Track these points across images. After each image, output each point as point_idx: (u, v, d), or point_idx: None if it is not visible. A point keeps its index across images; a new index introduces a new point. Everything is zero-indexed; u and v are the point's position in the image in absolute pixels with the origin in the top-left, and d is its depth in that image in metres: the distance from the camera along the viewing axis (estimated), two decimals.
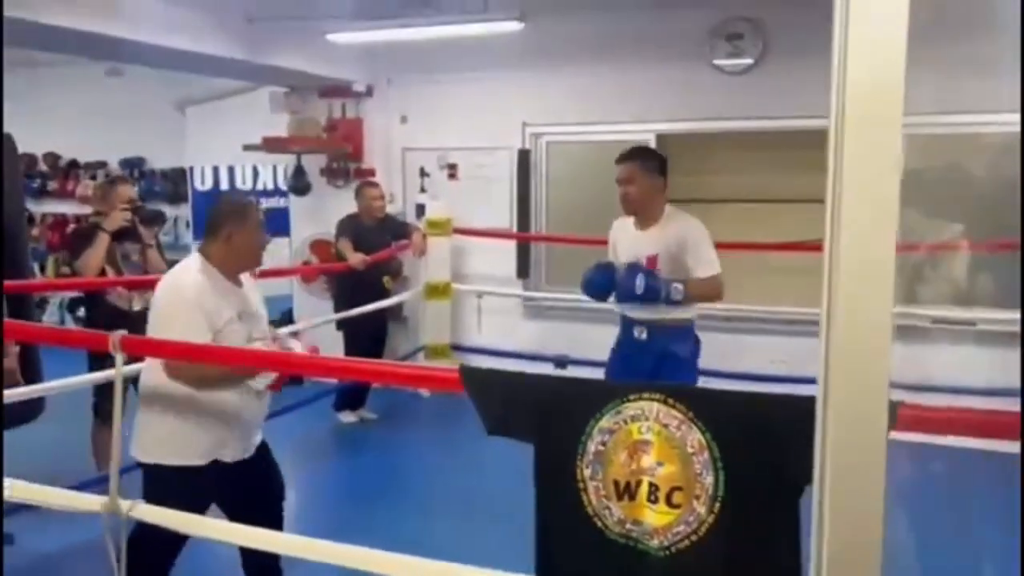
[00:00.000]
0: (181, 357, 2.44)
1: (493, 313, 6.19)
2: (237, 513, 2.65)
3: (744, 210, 5.79)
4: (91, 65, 6.94)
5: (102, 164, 8.26)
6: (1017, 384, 4.42)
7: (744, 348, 5.49)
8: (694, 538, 1.63)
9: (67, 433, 4.27)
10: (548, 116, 6.07)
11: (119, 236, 4.12)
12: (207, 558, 2.97)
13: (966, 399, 4.27)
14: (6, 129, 3.96)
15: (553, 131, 6.14)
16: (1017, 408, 1.48)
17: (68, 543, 3.47)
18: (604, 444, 1.69)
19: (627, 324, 3.52)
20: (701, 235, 3.34)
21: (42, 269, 7.90)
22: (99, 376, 3.60)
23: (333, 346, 5.55)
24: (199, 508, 2.47)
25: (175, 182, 7.81)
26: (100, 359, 3.71)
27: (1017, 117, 4.45)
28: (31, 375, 3.74)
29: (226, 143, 6.64)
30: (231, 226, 2.61)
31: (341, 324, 5.43)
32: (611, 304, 3.62)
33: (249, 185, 7.28)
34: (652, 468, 1.66)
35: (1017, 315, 4.58)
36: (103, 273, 4.09)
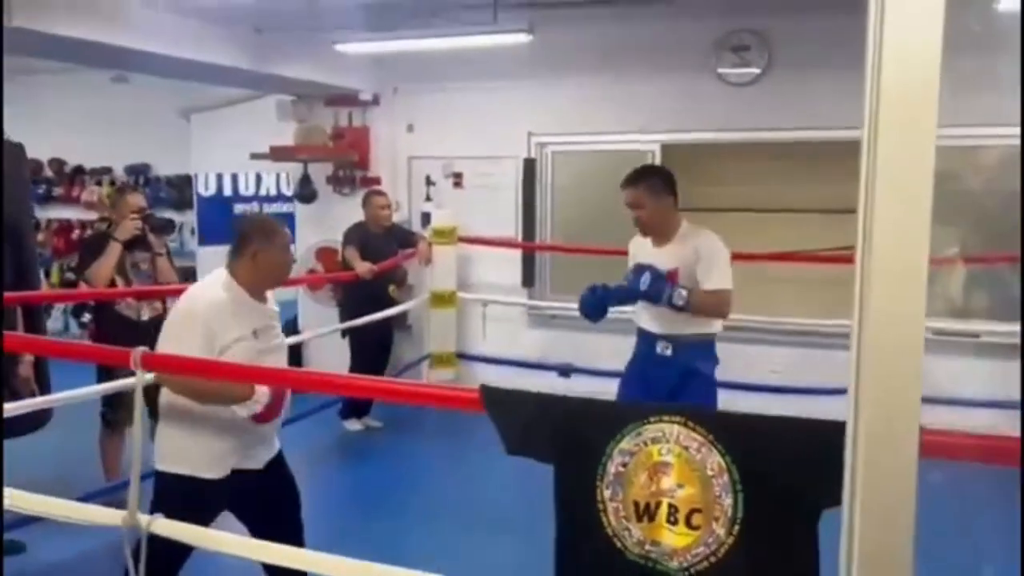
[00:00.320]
0: (194, 374, 2.47)
1: (498, 322, 6.21)
2: (256, 522, 2.68)
3: (747, 220, 5.82)
4: (96, 71, 6.97)
5: (107, 170, 8.28)
6: (1016, 396, 4.46)
7: (742, 358, 5.51)
8: (713, 559, 1.65)
9: (74, 441, 4.29)
10: (554, 126, 6.11)
11: (130, 245, 4.14)
12: (215, 562, 2.99)
13: (962, 411, 4.29)
14: (14, 136, 3.99)
15: (559, 141, 6.17)
16: (1015, 421, 1.49)
17: (80, 551, 3.49)
18: (624, 465, 1.71)
19: (648, 339, 3.45)
20: (717, 250, 3.30)
21: (47, 275, 7.91)
22: (111, 387, 3.62)
23: (339, 354, 5.58)
24: (204, 518, 2.51)
25: (180, 189, 7.83)
26: (109, 368, 3.73)
27: (1012, 131, 4.50)
28: (40, 384, 3.77)
29: (231, 150, 6.66)
30: (257, 244, 2.64)
31: (347, 332, 5.45)
32: (630, 312, 3.60)
33: (252, 191, 7.30)
34: (672, 490, 1.68)
35: (1017, 327, 4.62)
36: (112, 283, 4.11)
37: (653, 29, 5.58)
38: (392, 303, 5.66)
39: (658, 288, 3.23)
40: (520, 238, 6.23)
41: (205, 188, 7.11)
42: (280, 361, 2.76)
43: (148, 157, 8.13)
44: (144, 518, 2.23)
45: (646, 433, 1.70)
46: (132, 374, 2.38)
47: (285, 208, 6.94)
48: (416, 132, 6.50)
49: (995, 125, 4.36)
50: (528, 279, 6.28)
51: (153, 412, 3.07)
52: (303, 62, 5.63)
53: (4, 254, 3.52)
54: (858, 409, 0.98)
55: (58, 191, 8.34)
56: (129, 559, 2.21)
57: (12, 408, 3.11)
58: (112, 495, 3.80)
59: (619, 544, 1.72)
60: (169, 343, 2.54)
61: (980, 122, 4.54)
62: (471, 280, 6.35)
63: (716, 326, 3.41)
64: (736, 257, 3.41)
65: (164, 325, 2.66)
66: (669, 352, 3.38)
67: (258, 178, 7.23)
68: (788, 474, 1.59)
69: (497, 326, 6.20)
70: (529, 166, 6.16)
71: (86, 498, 3.03)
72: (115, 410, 4.05)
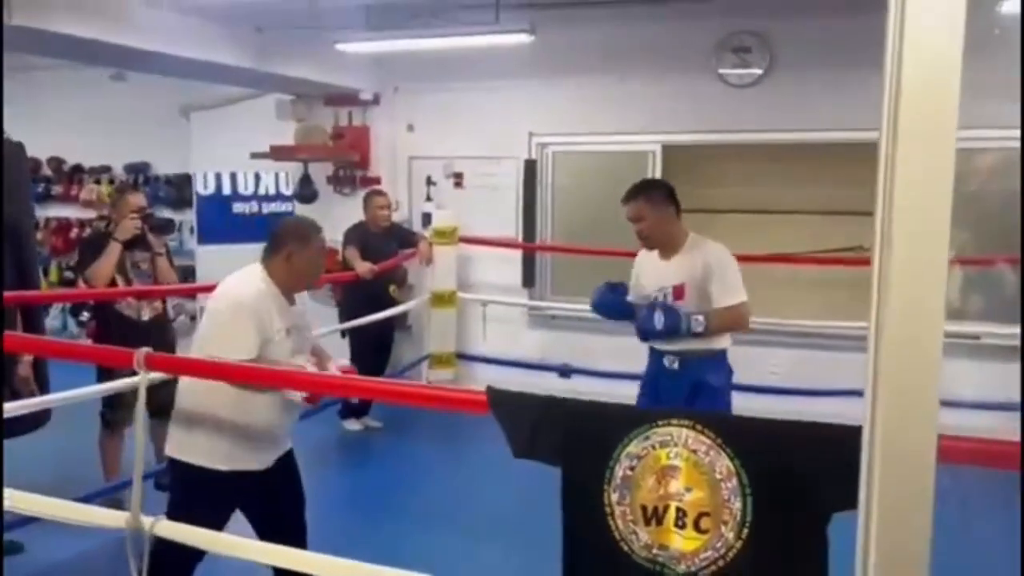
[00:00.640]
0: (200, 375, 2.46)
1: (498, 322, 6.20)
2: (262, 520, 2.69)
3: (746, 221, 5.82)
4: (95, 69, 6.94)
5: (107, 169, 8.24)
6: (1015, 398, 4.47)
7: (741, 360, 5.51)
8: (721, 563, 1.64)
9: (73, 441, 4.27)
10: (555, 126, 6.10)
11: (129, 244, 4.13)
12: (223, 562, 2.98)
13: (958, 412, 4.30)
14: (13, 134, 3.98)
15: (559, 141, 6.16)
16: (1010, 423, 1.49)
17: (80, 551, 3.48)
18: (632, 469, 1.70)
19: (657, 355, 3.43)
20: (726, 262, 3.25)
21: (45, 273, 7.88)
22: (111, 387, 3.60)
23: (338, 353, 5.53)
24: (221, 512, 2.54)
25: (179, 188, 7.80)
26: (108, 368, 3.72)
27: (1003, 133, 4.50)
28: (39, 385, 3.75)
29: (231, 149, 6.63)
30: (292, 246, 2.66)
31: (347, 332, 5.44)
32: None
33: (251, 190, 7.27)
34: (680, 493, 1.67)
35: (1017, 330, 4.63)
36: (113, 282, 4.10)
37: (654, 30, 5.58)
38: (392, 303, 5.65)
39: (674, 323, 3.18)
40: (520, 238, 6.22)
41: (204, 187, 7.09)
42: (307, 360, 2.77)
43: (147, 156, 8.09)
44: (147, 520, 2.22)
45: (654, 436, 1.69)
46: (131, 374, 2.38)
47: (285, 208, 6.91)
48: (417, 132, 6.49)
49: (987, 128, 4.35)
50: (528, 279, 6.28)
51: (153, 412, 3.06)
52: (304, 61, 5.62)
53: (4, 253, 3.51)
54: (875, 411, 0.97)
55: (57, 190, 8.29)
56: (132, 563, 2.20)
57: (11, 408, 3.10)
58: (111, 495, 3.81)
59: (626, 548, 1.71)
60: (221, 336, 2.54)
61: (972, 125, 4.53)
62: (471, 280, 6.35)
63: (725, 341, 3.36)
64: (735, 258, 3.39)
65: (204, 320, 2.68)
66: (677, 366, 3.35)
67: (257, 177, 7.20)
68: (798, 477, 1.59)
69: (497, 326, 6.19)
70: (530, 166, 6.15)
71: (86, 498, 3.02)
72: (115, 410, 4.04)
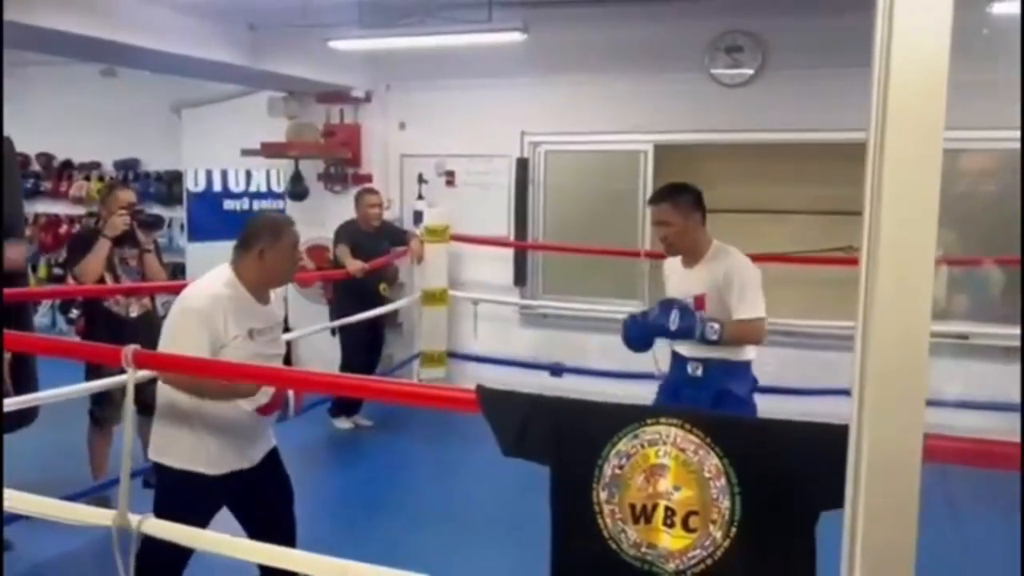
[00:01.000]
0: (187, 372, 2.45)
1: (489, 320, 6.20)
2: (250, 519, 2.67)
3: (738, 221, 5.83)
4: (85, 65, 6.90)
5: (96, 165, 8.20)
6: (1001, 398, 4.50)
7: None
8: (709, 562, 1.65)
9: (61, 438, 4.25)
10: (547, 125, 6.10)
11: (118, 241, 4.11)
12: (208, 560, 2.97)
13: (952, 412, 4.33)
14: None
15: (552, 140, 6.16)
16: (1010, 426, 1.50)
17: (67, 549, 3.46)
18: (621, 467, 1.71)
19: (680, 362, 3.36)
20: (748, 275, 3.18)
21: (34, 269, 7.84)
22: (100, 384, 3.58)
23: (329, 351, 5.56)
24: (203, 514, 2.51)
25: (169, 184, 7.77)
26: (97, 365, 3.70)
27: (999, 134, 4.54)
28: (27, 382, 3.72)
29: (222, 146, 6.61)
30: (264, 243, 2.60)
31: (337, 330, 5.43)
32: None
33: (242, 187, 7.24)
34: (668, 492, 1.67)
35: (1012, 330, 4.66)
36: (101, 279, 4.08)
37: (647, 29, 5.58)
38: (383, 301, 5.64)
39: (688, 325, 3.12)
40: (512, 237, 6.22)
41: (195, 184, 7.06)
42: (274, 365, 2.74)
43: (138, 152, 8.05)
44: (134, 518, 2.21)
45: (643, 435, 1.70)
46: (120, 371, 2.36)
47: (276, 205, 6.89)
48: (409, 130, 6.48)
49: (980, 129, 4.38)
50: (520, 278, 6.28)
51: (142, 409, 3.04)
52: (297, 59, 5.60)
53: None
54: (861, 410, 0.98)
55: (46, 186, 8.24)
56: (119, 561, 2.19)
57: None
58: (99, 492, 3.79)
59: (615, 546, 1.72)
60: (173, 340, 2.52)
61: (964, 125, 4.57)
62: (463, 278, 6.34)
63: (750, 352, 3.28)
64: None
65: (166, 322, 2.64)
66: (700, 373, 3.27)
67: (248, 175, 7.18)
68: (786, 476, 1.59)
69: (489, 325, 6.19)
70: (522, 165, 6.15)
71: (74, 496, 3.01)
72: (103, 408, 4.02)
